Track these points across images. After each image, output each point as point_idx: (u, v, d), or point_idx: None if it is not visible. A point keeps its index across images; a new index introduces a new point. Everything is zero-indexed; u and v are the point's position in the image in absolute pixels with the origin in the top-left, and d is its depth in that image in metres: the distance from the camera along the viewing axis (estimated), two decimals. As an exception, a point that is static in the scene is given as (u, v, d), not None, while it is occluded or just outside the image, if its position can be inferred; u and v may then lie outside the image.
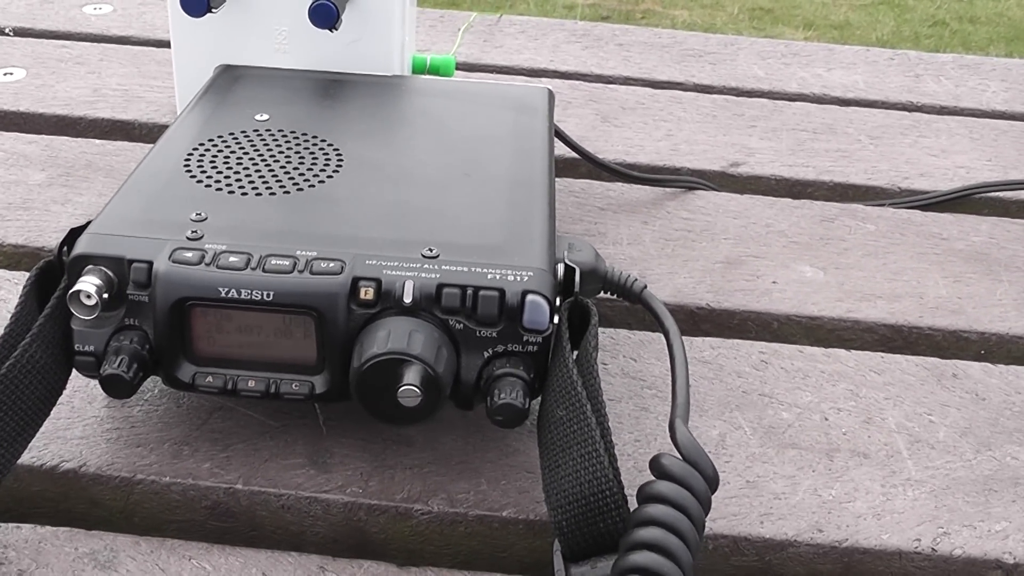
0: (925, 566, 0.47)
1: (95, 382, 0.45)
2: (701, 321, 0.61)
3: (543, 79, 0.89)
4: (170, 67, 0.69)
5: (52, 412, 0.46)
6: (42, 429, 0.48)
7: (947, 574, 0.47)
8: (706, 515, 0.40)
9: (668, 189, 0.73)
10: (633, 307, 0.60)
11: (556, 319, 0.44)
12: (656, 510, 0.38)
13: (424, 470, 0.48)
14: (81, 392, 0.50)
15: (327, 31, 0.63)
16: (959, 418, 0.54)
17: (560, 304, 0.45)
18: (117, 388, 0.43)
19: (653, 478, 0.40)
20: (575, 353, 0.44)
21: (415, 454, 0.49)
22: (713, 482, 0.40)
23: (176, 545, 0.44)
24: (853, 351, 0.59)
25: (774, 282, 0.64)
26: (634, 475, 0.49)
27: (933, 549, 0.47)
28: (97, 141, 0.74)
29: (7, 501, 0.47)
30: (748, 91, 0.91)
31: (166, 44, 0.85)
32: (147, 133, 0.77)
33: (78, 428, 0.49)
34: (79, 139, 0.74)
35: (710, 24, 3.20)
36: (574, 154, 0.70)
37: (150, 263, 0.43)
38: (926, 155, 0.81)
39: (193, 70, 0.68)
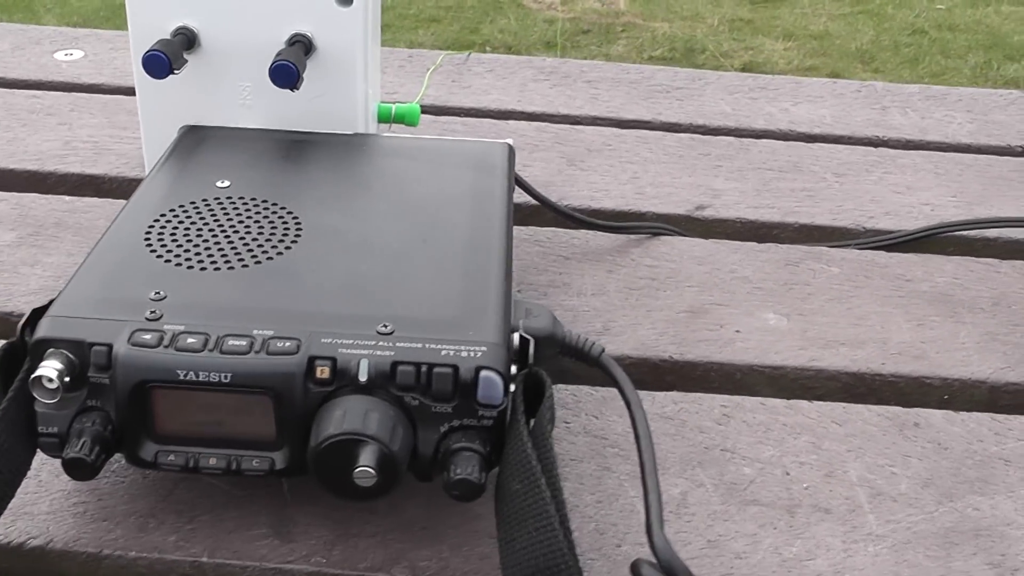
0: (884, 623, 0.47)
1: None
2: (665, 373, 0.62)
3: (511, 121, 0.90)
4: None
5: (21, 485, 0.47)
6: (9, 505, 0.48)
7: (905, 631, 0.47)
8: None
9: (633, 236, 0.74)
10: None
11: (511, 390, 0.45)
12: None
13: (388, 537, 0.48)
14: (48, 465, 0.51)
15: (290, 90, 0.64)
16: (921, 469, 0.55)
17: (515, 376, 0.46)
18: (80, 471, 0.44)
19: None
20: (531, 424, 0.45)
21: (378, 521, 0.49)
22: None
23: (141, 622, 0.44)
24: (815, 402, 0.59)
25: (737, 331, 0.65)
26: (595, 537, 0.49)
27: (891, 607, 0.47)
28: (67, 198, 0.74)
29: (-27, 579, 0.47)
30: (715, 128, 0.92)
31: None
32: (116, 187, 0.77)
33: (45, 503, 0.49)
34: (49, 195, 0.74)
35: (690, 36, 3.21)
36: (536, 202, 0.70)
37: (110, 346, 0.44)
38: (891, 192, 0.82)
39: (160, 126, 0.68)
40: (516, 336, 0.47)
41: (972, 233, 0.77)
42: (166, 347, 0.43)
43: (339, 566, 0.47)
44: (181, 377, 0.43)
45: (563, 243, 0.73)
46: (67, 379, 0.43)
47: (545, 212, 0.75)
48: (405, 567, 0.47)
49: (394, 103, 0.74)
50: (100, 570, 0.47)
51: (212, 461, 0.45)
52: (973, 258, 0.74)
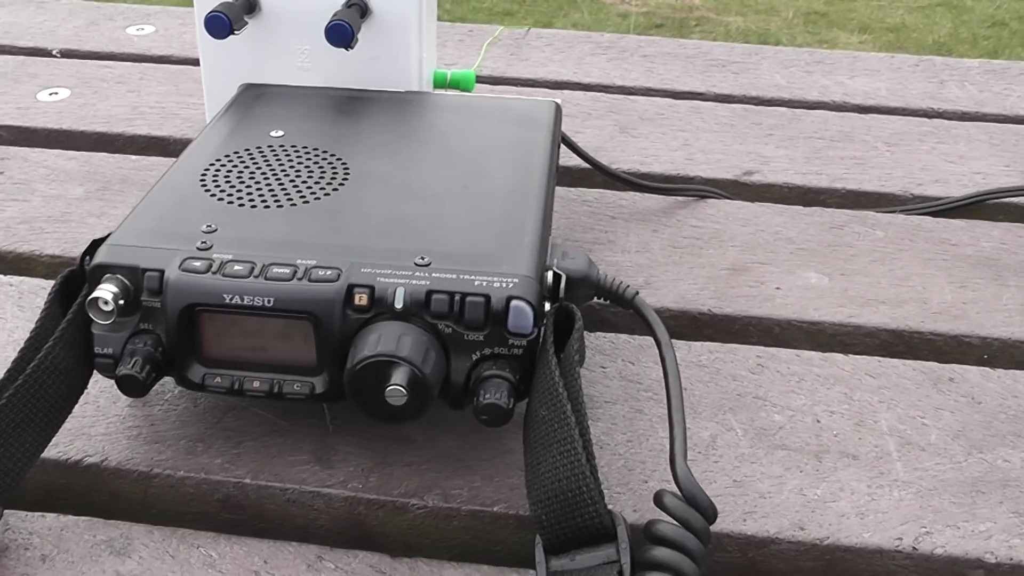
0: (906, 564, 0.48)
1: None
2: (703, 326, 0.63)
3: (565, 91, 0.92)
4: (204, 84, 0.74)
5: (78, 410, 0.50)
6: (68, 426, 0.51)
7: (928, 572, 0.48)
8: (707, 547, 0.43)
9: (680, 198, 0.75)
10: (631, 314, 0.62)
11: (543, 323, 0.47)
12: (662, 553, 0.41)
13: (422, 467, 0.50)
14: (107, 393, 0.54)
15: (344, 50, 0.66)
16: (952, 421, 0.55)
17: (547, 310, 0.48)
18: (132, 387, 0.46)
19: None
20: (559, 356, 0.47)
21: (414, 452, 0.51)
22: (712, 518, 0.43)
23: (187, 534, 0.47)
24: (850, 355, 0.60)
25: (778, 288, 0.65)
26: (623, 473, 0.51)
27: (914, 548, 0.48)
28: (134, 157, 0.78)
29: (36, 492, 0.50)
30: (768, 100, 0.92)
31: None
32: (181, 148, 0.80)
33: (101, 425, 0.52)
34: (117, 155, 0.78)
35: (764, 30, 3.19)
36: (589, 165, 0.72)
37: (162, 272, 0.46)
38: (943, 161, 0.82)
39: (221, 88, 0.71)
40: (549, 273, 0.49)
41: (1022, 200, 0.77)
42: (214, 273, 0.46)
43: (374, 491, 0.49)
44: (227, 301, 0.46)
45: (610, 204, 0.74)
46: (121, 302, 0.46)
47: (594, 176, 0.76)
48: (437, 494, 0.49)
49: (449, 70, 0.77)
50: (150, 488, 0.50)
51: (256, 384, 0.47)
52: (1022, 223, 0.74)
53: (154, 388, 0.52)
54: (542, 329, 0.47)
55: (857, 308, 0.64)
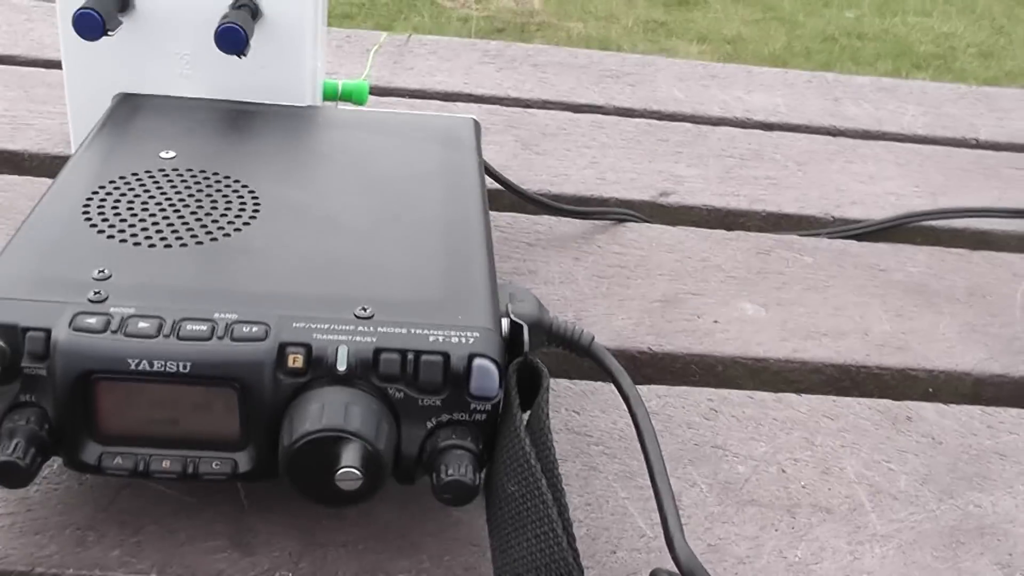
0: (898, 630, 0.44)
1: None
2: (643, 366, 0.58)
3: (459, 103, 0.86)
4: (61, 90, 0.64)
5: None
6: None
7: (920, 638, 0.44)
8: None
9: (598, 222, 0.70)
10: (571, 354, 0.56)
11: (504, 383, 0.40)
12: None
13: (359, 547, 0.43)
14: (-34, 469, 0.45)
15: (237, 57, 0.58)
16: (918, 465, 0.52)
17: (508, 366, 0.41)
18: (11, 476, 0.38)
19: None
20: (526, 418, 0.40)
21: (348, 529, 0.44)
22: None
23: (81, 649, 0.39)
24: (804, 395, 0.56)
25: (715, 321, 0.61)
26: (587, 543, 0.45)
27: (906, 612, 0.44)
28: (-22, 175, 0.67)
29: None
30: (670, 115, 0.89)
31: (56, 64, 0.79)
32: (38, 164, 0.70)
33: (-37, 513, 0.43)
34: (-42, 174, 0.67)
35: (605, 36, 3.20)
36: (497, 185, 0.66)
37: (48, 331, 0.38)
38: (855, 181, 0.80)
39: (88, 97, 0.62)
40: (506, 322, 0.43)
41: (940, 223, 0.75)
42: (114, 332, 0.38)
43: (307, 580, 0.42)
44: (132, 367, 0.37)
45: (525, 229, 0.68)
46: (-4, 370, 0.37)
47: (502, 197, 0.70)
48: (382, 580, 0.42)
49: (339, 80, 0.69)
50: (31, 590, 0.41)
51: (165, 464, 0.39)
52: (944, 248, 0.72)
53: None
54: (505, 389, 0.41)
55: (800, 342, 0.60)
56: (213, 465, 0.39)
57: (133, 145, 0.51)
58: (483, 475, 0.40)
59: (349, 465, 0.36)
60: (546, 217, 0.70)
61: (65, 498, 0.44)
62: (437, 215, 0.48)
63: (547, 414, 0.40)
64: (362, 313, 0.40)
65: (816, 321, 0.62)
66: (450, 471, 0.38)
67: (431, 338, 0.39)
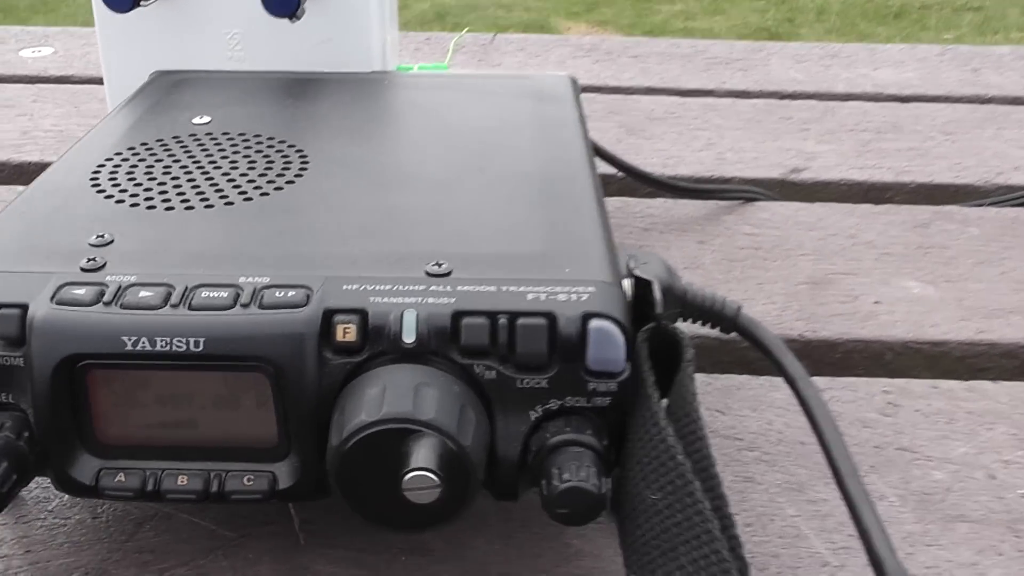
0: None
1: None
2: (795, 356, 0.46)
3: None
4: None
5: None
6: None
7: None
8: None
9: (721, 202, 0.59)
10: (706, 343, 0.45)
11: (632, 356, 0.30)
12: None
13: (448, 590, 0.33)
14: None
15: (288, 25, 0.49)
16: None
17: (636, 334, 0.31)
18: (-21, 501, 0.28)
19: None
20: (665, 404, 0.30)
21: (433, 567, 0.34)
22: None
23: None
24: (1000, 382, 0.44)
25: (876, 302, 0.50)
26: (752, 574, 0.34)
27: None
28: (21, 188, 0.60)
29: None
30: (790, 94, 0.78)
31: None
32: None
33: (-52, 559, 0.34)
34: (1, 187, 0.61)
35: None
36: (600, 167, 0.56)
37: (24, 307, 0.29)
38: (1014, 147, 0.68)
39: (128, 78, 0.54)
40: (628, 281, 0.32)
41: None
42: (107, 304, 0.28)
43: (380, 634, 0.31)
44: (128, 347, 0.28)
45: (637, 213, 0.58)
46: (-42, 362, 0.28)
47: (608, 182, 0.60)
48: (479, 631, 0.32)
49: (415, 65, 0.61)
50: (27, 655, 0.32)
51: (182, 481, 0.29)
52: None
53: (30, 494, 0.35)
54: (635, 364, 0.30)
55: (983, 321, 0.48)
56: (245, 481, 0.29)
57: (162, 114, 0.43)
58: (611, 481, 0.29)
59: (422, 467, 0.26)
60: (660, 200, 0.59)
61: (74, 534, 0.34)
62: (534, 166, 0.38)
63: (694, 394, 0.30)
64: (436, 270, 0.30)
65: (998, 298, 0.50)
66: (565, 476, 0.28)
67: (530, 296, 0.29)
